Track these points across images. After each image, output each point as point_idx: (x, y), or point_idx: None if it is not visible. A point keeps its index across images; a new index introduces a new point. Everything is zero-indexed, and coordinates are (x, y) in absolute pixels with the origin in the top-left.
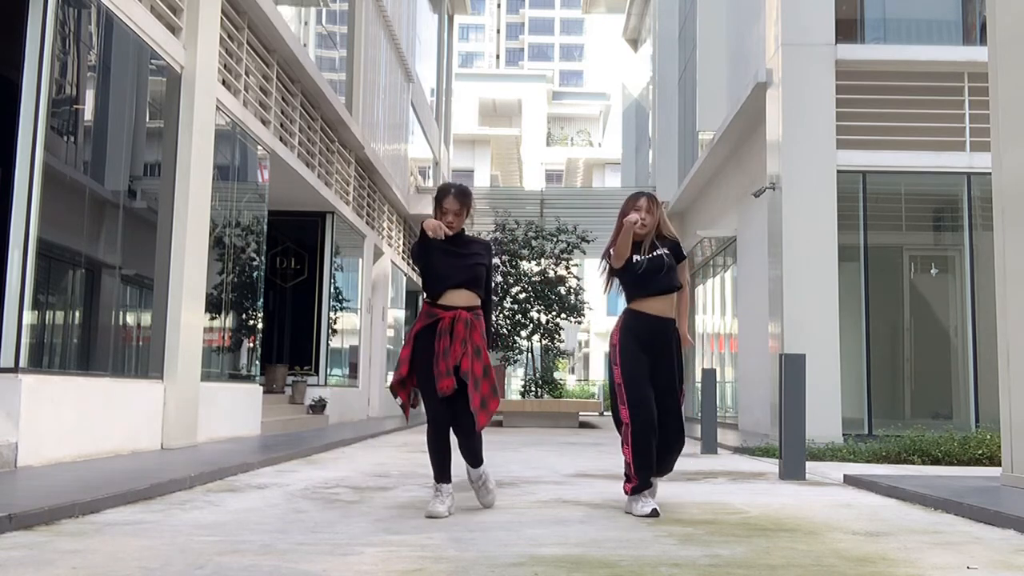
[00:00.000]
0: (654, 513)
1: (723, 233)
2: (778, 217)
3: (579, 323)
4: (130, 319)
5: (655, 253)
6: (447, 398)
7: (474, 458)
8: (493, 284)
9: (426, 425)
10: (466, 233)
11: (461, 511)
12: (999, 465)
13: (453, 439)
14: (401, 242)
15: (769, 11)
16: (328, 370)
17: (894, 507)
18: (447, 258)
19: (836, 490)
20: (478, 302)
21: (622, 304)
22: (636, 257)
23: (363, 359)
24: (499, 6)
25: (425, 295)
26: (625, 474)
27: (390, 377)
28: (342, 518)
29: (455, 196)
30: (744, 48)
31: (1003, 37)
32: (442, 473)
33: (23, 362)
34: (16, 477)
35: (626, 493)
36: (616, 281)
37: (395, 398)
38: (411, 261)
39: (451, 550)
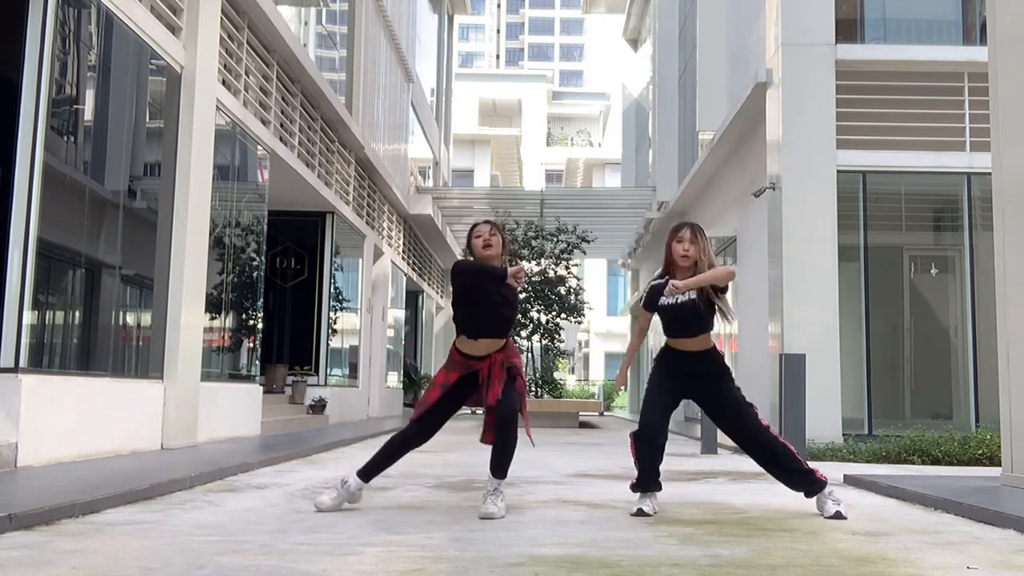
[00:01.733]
0: (640, 513)
1: (723, 233)
2: (778, 217)
3: (579, 323)
4: (130, 319)
5: (679, 300)
6: (442, 420)
7: (502, 459)
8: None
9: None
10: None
11: (461, 511)
12: (999, 465)
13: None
14: (401, 242)
15: (769, 11)
16: (328, 370)
17: (894, 507)
18: (488, 306)
19: (836, 490)
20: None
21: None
22: (664, 301)
23: (363, 359)
24: (499, 6)
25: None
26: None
27: (391, 378)
28: (342, 518)
29: (486, 223)
30: (744, 48)
31: (1003, 37)
32: (367, 473)
33: (23, 362)
34: (16, 477)
35: (631, 489)
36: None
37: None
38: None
39: (451, 550)
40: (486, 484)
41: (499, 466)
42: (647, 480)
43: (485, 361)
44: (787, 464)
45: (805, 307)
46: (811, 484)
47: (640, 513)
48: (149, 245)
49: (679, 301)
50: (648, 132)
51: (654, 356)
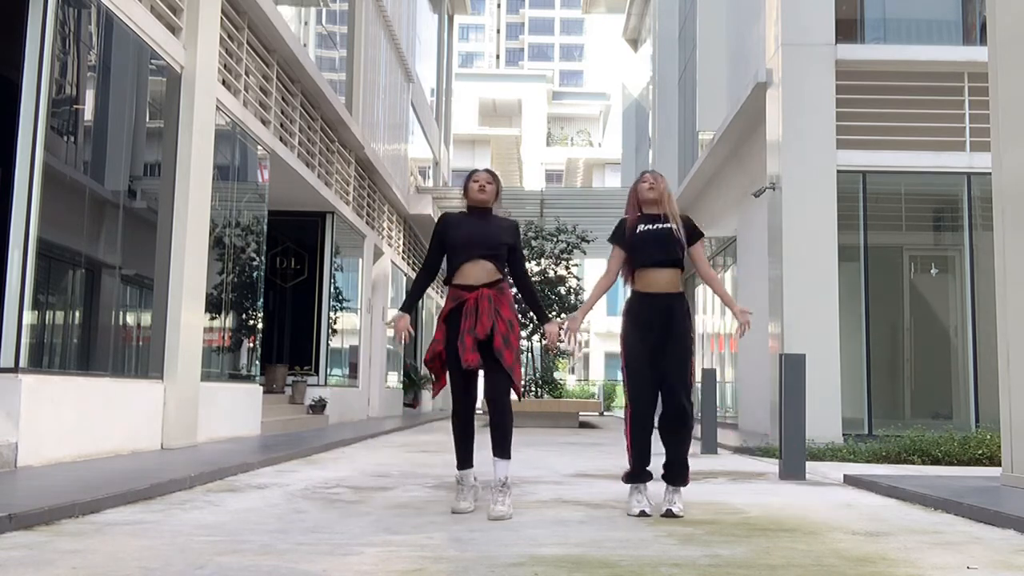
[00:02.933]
0: (642, 514)
1: (723, 233)
2: (778, 217)
3: None
4: (130, 319)
5: (662, 225)
6: (470, 383)
7: (503, 441)
8: (526, 267)
9: (449, 421)
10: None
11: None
12: (999, 465)
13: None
14: (401, 242)
15: (769, 11)
16: (328, 370)
17: (894, 507)
18: (467, 229)
19: (836, 490)
20: (500, 276)
21: (622, 304)
22: (642, 227)
23: (363, 359)
24: (499, 6)
25: (446, 275)
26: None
27: (391, 378)
28: (342, 518)
29: (485, 170)
30: (744, 48)
31: (1003, 37)
32: (464, 460)
33: (23, 362)
34: (16, 477)
35: (623, 481)
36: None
37: (429, 374)
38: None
39: (451, 550)
40: (492, 481)
41: (502, 441)
42: (640, 471)
43: (474, 292)
44: (684, 441)
45: (805, 307)
46: (683, 477)
47: (642, 515)
48: (149, 245)
49: (657, 227)
50: (648, 132)
51: (621, 312)
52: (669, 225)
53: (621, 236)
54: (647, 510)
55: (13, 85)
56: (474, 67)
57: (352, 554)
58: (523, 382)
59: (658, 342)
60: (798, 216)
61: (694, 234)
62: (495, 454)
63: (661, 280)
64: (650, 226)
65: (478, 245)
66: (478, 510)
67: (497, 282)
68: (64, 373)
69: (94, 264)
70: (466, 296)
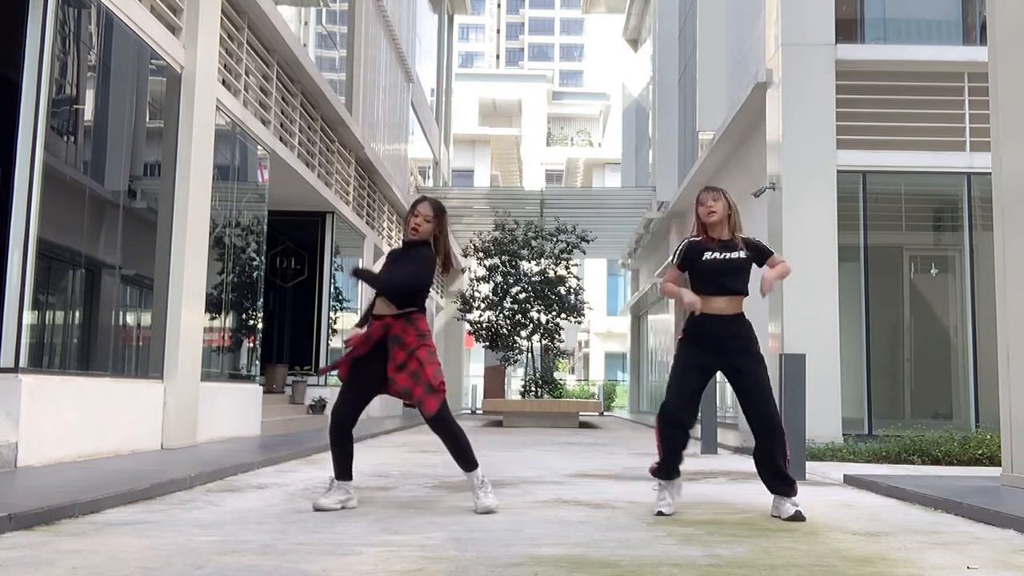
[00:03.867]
0: (660, 514)
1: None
2: (778, 217)
3: (579, 323)
4: (130, 319)
5: (727, 256)
6: (350, 397)
7: (459, 456)
8: (450, 256)
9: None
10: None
11: (461, 511)
12: (999, 465)
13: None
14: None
15: (769, 11)
16: None
17: (894, 507)
18: (389, 266)
19: (836, 490)
20: (408, 308)
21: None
22: (708, 255)
23: None
24: (499, 6)
25: None
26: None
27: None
28: (342, 518)
29: (429, 202)
30: (744, 48)
31: (1003, 37)
32: (341, 472)
33: (23, 362)
34: (16, 477)
35: (651, 473)
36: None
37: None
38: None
39: (451, 550)
40: (468, 483)
41: (462, 459)
42: (668, 467)
43: (379, 321)
44: (780, 455)
45: (805, 307)
46: (788, 487)
47: (660, 515)
48: (149, 245)
49: (726, 257)
50: (648, 132)
51: (676, 339)
52: (741, 255)
53: (684, 260)
54: (665, 510)
55: (13, 85)
56: (474, 67)
57: (352, 554)
58: (523, 382)
59: (722, 364)
60: (798, 216)
61: (762, 254)
62: (464, 469)
63: (725, 306)
64: (718, 255)
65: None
66: (473, 508)
67: (404, 314)
68: (64, 373)
69: (94, 264)
70: (373, 324)
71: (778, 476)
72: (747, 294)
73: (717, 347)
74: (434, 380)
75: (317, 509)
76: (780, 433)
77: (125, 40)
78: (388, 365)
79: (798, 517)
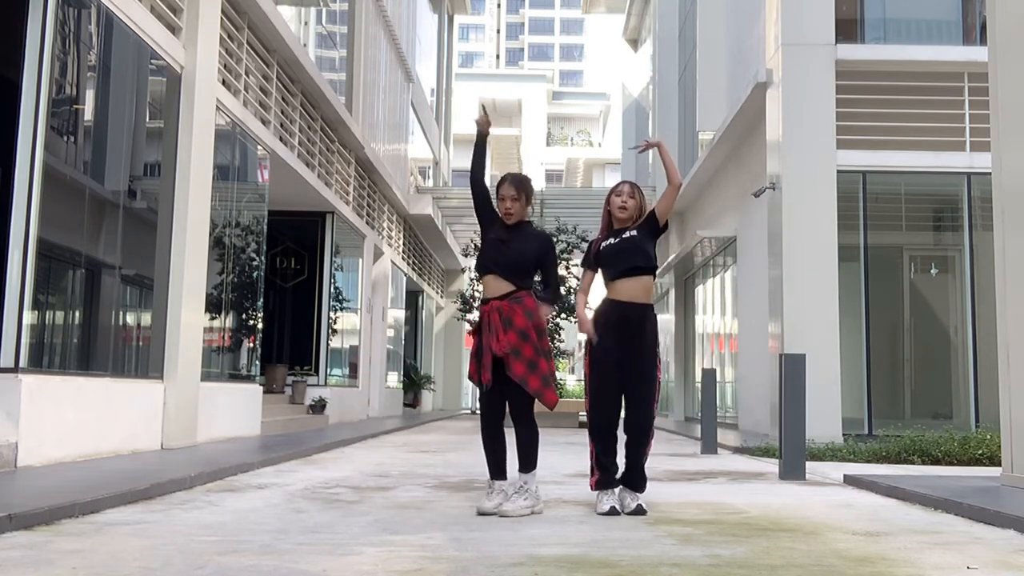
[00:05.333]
0: (612, 511)
1: (723, 233)
2: (778, 217)
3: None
4: (130, 319)
5: (621, 236)
6: (497, 390)
7: (525, 456)
8: (557, 278)
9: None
10: (532, 225)
11: (461, 511)
12: (999, 465)
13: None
14: (401, 242)
15: (769, 11)
16: (328, 370)
17: (894, 507)
18: (495, 245)
19: (836, 490)
20: (516, 288)
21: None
22: (610, 240)
23: (363, 359)
24: (499, 6)
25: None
26: (591, 466)
27: (391, 378)
28: (342, 518)
29: (511, 182)
30: (744, 48)
31: (1003, 37)
32: (495, 471)
33: (23, 362)
34: (16, 477)
35: (591, 488)
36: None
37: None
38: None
39: (451, 550)
40: (513, 481)
41: (525, 454)
42: (608, 479)
43: (487, 305)
44: (642, 452)
45: (805, 307)
46: (641, 482)
47: (612, 512)
48: (149, 245)
49: (620, 238)
50: (648, 132)
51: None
52: (634, 232)
53: (588, 259)
54: (616, 506)
55: (13, 85)
56: (474, 67)
57: (352, 554)
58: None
59: (624, 353)
60: (798, 216)
61: (651, 215)
62: (519, 468)
63: (635, 290)
64: (613, 240)
65: (501, 265)
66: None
67: (511, 293)
68: (64, 373)
69: (94, 264)
70: (483, 309)
71: (637, 470)
72: (654, 268)
73: (625, 336)
74: (551, 378)
75: (480, 513)
76: (646, 443)
77: (125, 40)
78: (495, 344)
79: (640, 511)
